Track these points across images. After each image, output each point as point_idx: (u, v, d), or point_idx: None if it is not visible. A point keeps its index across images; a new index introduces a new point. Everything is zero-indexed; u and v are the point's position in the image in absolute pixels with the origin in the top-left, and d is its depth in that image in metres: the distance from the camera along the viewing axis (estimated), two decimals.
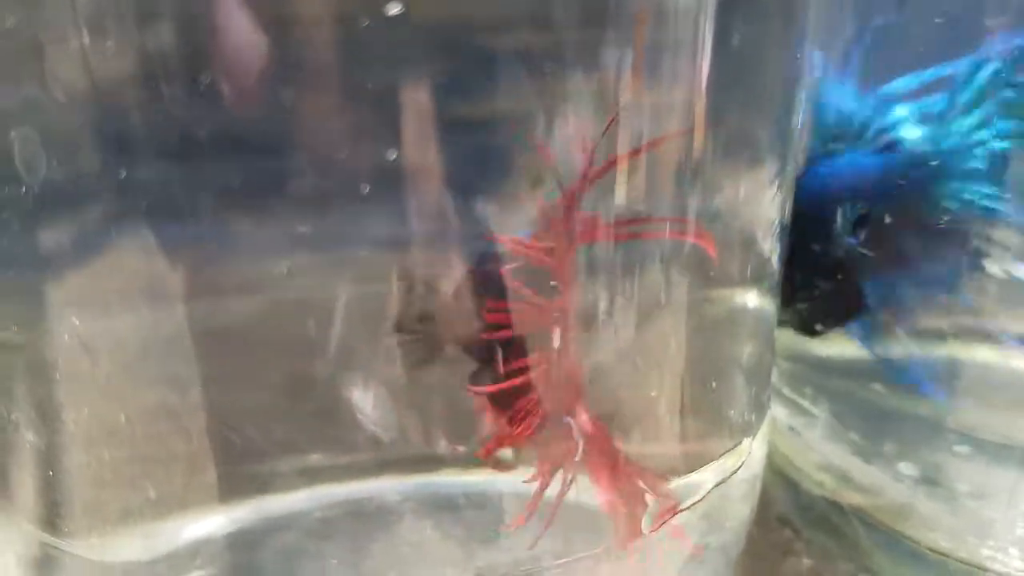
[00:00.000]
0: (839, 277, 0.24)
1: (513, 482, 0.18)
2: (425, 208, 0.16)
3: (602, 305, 0.17)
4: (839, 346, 0.25)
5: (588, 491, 0.18)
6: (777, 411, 0.27)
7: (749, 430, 0.22)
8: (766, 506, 0.27)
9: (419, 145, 0.15)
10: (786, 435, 0.27)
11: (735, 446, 0.21)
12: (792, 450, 0.27)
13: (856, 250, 0.23)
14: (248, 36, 0.14)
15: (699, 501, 0.20)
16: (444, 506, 0.19)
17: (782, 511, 0.28)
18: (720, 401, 0.21)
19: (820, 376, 0.26)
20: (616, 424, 0.18)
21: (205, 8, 0.14)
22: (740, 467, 0.21)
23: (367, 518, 0.19)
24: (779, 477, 0.28)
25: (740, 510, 0.22)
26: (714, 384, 0.20)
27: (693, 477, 0.20)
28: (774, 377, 0.27)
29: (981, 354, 0.22)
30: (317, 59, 0.14)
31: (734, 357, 0.20)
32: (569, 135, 0.16)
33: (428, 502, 0.19)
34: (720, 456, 0.21)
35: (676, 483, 0.19)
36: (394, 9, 0.14)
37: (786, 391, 0.27)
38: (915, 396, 0.24)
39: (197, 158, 0.15)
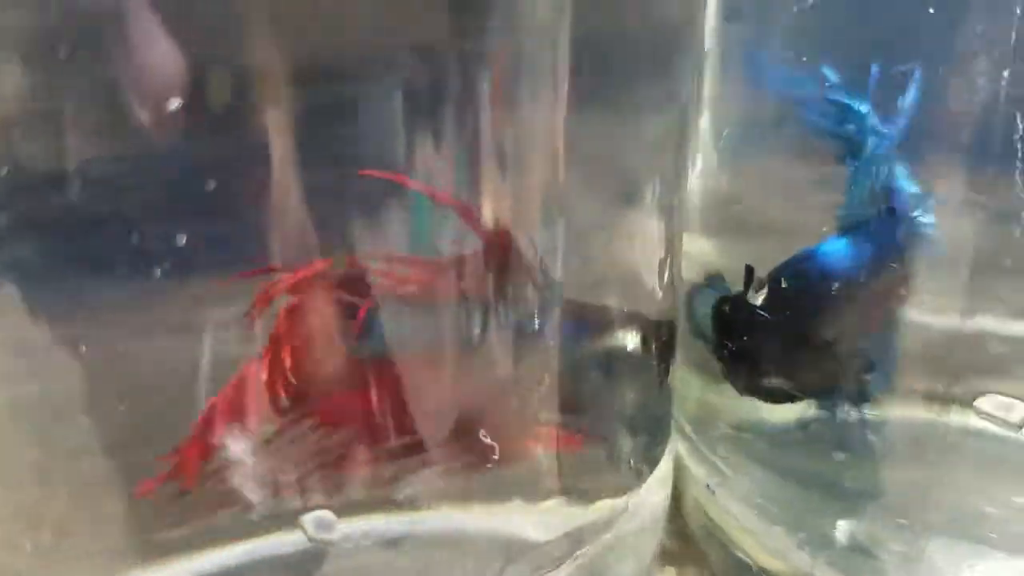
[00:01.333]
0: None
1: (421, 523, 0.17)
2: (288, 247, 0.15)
3: (472, 335, 0.17)
4: (753, 408, 0.25)
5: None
6: (696, 469, 0.27)
7: (638, 480, 0.21)
8: (702, 563, 0.28)
9: (282, 181, 0.15)
10: (705, 494, 0.27)
11: (621, 495, 0.20)
12: (712, 509, 0.27)
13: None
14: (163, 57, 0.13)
15: (579, 556, 0.19)
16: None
17: (714, 571, 0.27)
18: (601, 449, 0.20)
19: (734, 439, 0.26)
20: (489, 468, 0.17)
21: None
22: (627, 519, 0.20)
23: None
24: (710, 536, 0.27)
25: (630, 565, 0.21)
26: (594, 431, 0.20)
27: (572, 527, 0.19)
28: (691, 432, 0.27)
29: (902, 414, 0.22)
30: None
31: (615, 402, 0.20)
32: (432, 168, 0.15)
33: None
34: (603, 504, 0.20)
35: (556, 534, 0.19)
36: None
37: (703, 449, 0.26)
38: (830, 461, 0.23)
39: (56, 213, 0.14)
